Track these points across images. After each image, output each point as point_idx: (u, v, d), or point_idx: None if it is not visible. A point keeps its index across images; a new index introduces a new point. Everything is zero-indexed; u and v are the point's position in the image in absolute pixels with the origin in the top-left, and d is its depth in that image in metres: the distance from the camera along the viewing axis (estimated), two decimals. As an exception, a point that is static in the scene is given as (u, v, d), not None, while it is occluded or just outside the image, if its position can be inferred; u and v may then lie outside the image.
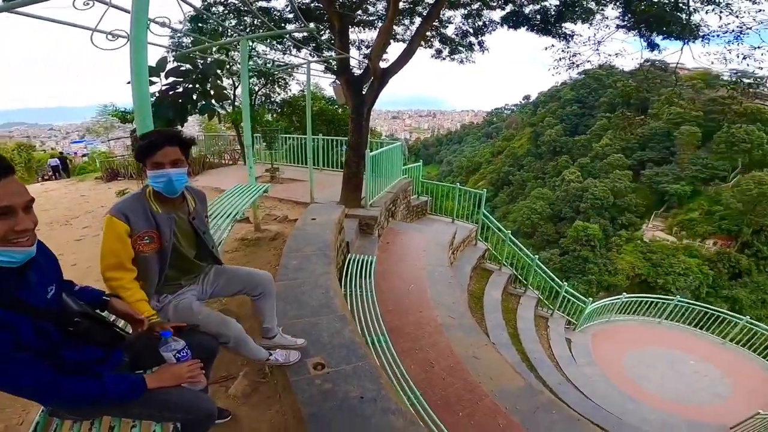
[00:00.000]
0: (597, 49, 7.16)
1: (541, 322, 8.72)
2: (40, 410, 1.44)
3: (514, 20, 7.16)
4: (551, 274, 9.16)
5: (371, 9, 8.10)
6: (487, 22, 7.68)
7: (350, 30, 7.29)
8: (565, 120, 65.34)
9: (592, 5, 6.62)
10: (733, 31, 5.94)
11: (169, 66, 9.22)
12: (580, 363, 8.20)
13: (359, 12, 7.71)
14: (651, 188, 47.90)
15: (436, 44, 8.46)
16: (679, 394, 7.76)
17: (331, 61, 7.47)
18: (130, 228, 1.59)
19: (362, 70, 6.80)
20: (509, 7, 7.04)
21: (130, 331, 1.55)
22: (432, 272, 5.86)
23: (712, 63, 6.51)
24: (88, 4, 2.34)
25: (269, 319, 2.25)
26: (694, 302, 10.79)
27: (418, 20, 7.92)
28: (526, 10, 6.99)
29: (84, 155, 17.47)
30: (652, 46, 6.77)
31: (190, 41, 9.13)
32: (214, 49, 9.96)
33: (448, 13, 7.72)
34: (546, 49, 7.56)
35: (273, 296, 2.19)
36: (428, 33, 7.75)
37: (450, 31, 8.18)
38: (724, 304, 32.76)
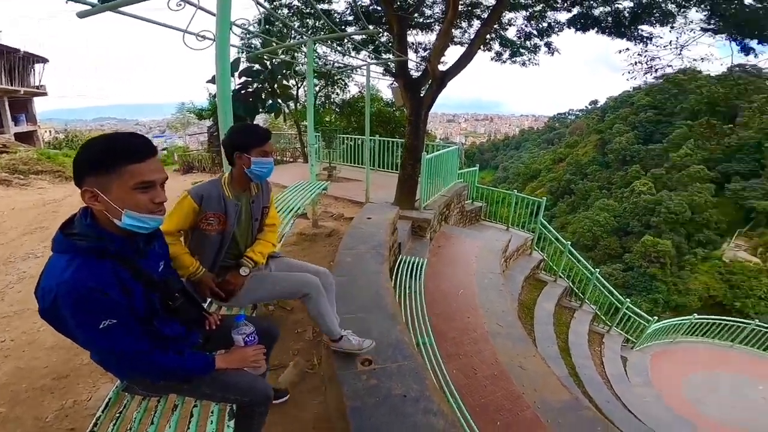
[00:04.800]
0: (680, 54, 6.63)
1: (595, 338, 8.28)
2: (114, 386, 1.51)
3: (582, 22, 6.81)
4: (611, 288, 8.63)
5: (428, 12, 8.08)
6: (552, 23, 7.35)
7: (408, 33, 7.32)
8: (638, 127, 60.48)
9: (672, 7, 6.11)
10: None
11: (242, 66, 9.88)
12: (634, 382, 7.67)
13: (417, 15, 7.71)
14: (736, 204, 43.00)
15: (496, 47, 8.25)
16: (744, 421, 6.99)
17: (389, 63, 7.57)
18: (200, 208, 1.81)
19: (420, 73, 6.82)
20: (576, 9, 6.71)
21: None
22: (482, 278, 5.75)
23: None
24: (180, 5, 2.53)
25: (330, 319, 2.18)
26: (771, 327, 9.58)
27: (477, 23, 7.78)
28: (596, 12, 6.61)
29: (164, 149, 19.16)
30: (746, 50, 6.18)
31: (259, 43, 9.79)
32: (280, 50, 10.58)
33: (508, 15, 7.48)
34: (620, 52, 7.14)
35: (332, 292, 2.25)
36: (487, 36, 7.55)
37: (511, 33, 7.93)
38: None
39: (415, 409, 1.99)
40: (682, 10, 6.09)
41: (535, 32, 7.60)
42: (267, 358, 1.68)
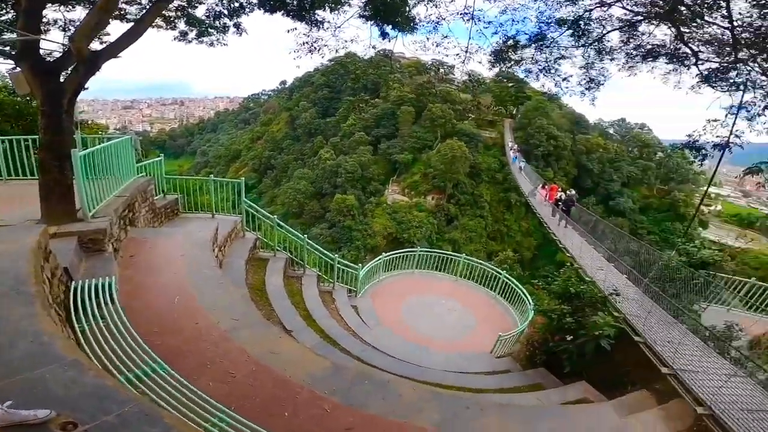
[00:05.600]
0: (335, 34, 7.57)
1: (326, 297, 9.21)
2: None
3: (271, 4, 6.95)
4: (322, 249, 9.78)
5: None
6: (244, 3, 7.23)
7: (54, 8, 5.76)
8: (317, 103, 70.59)
9: None
10: (431, 21, 7.09)
11: None
12: (371, 326, 9.17)
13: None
14: (386, 159, 58.17)
15: (181, 25, 7.51)
16: (446, 331, 9.77)
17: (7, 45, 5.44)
18: None
19: (62, 54, 5.22)
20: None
21: None
22: (197, 277, 5.24)
23: (417, 51, 7.93)
24: None
25: None
26: (430, 249, 13.81)
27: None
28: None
29: None
30: (384, 34, 7.51)
31: None
32: None
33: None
34: (288, 32, 7.65)
35: None
36: (172, 13, 6.84)
37: (201, 12, 7.43)
38: (449, 246, 44.21)
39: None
40: None
41: (225, 12, 7.32)
42: None
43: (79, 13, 7.32)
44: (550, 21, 6.78)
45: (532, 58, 7.36)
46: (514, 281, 11.44)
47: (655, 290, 7.50)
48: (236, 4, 7.37)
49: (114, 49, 5.11)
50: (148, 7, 7.05)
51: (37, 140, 5.84)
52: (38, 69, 4.74)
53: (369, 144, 59.12)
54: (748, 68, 5.58)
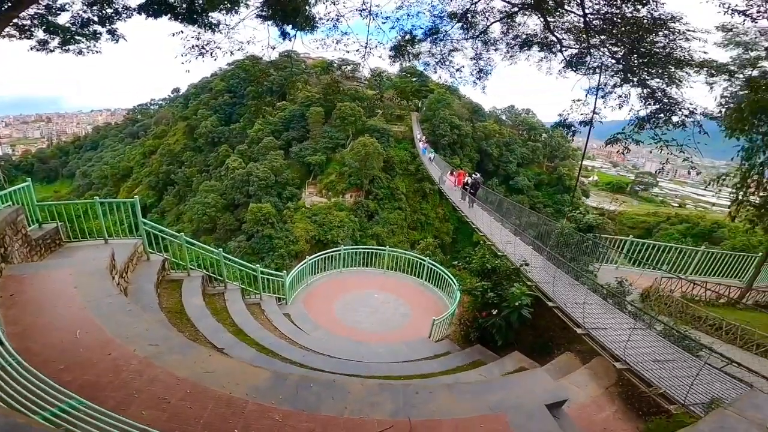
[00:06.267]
0: (230, 36, 7.16)
1: (255, 309, 8.87)
2: None
3: (155, 9, 6.36)
4: (241, 261, 9.37)
5: None
6: (120, 9, 6.57)
7: None
8: (218, 110, 65.86)
9: None
10: (330, 19, 6.92)
11: None
12: (307, 330, 8.96)
13: None
14: (299, 162, 56.81)
15: (39, 34, 6.63)
16: (383, 324, 9.88)
17: None
18: None
19: None
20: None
21: None
22: (99, 308, 4.63)
23: (317, 49, 7.65)
24: None
25: None
26: (355, 246, 13.93)
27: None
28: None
29: None
30: (284, 34, 7.25)
31: None
32: None
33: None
34: (173, 35, 7.01)
35: None
36: (27, 22, 6.17)
37: (63, 19, 6.62)
38: (373, 241, 44.83)
39: None
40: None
41: (95, 19, 6.64)
42: None
43: None
44: (442, 15, 7.19)
45: (429, 51, 7.78)
46: (438, 266, 12.06)
47: (556, 257, 8.41)
48: (109, 11, 6.69)
49: None
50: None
51: None
52: None
53: (280, 148, 57.08)
54: (600, 53, 6.54)
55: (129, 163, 70.54)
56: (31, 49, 6.89)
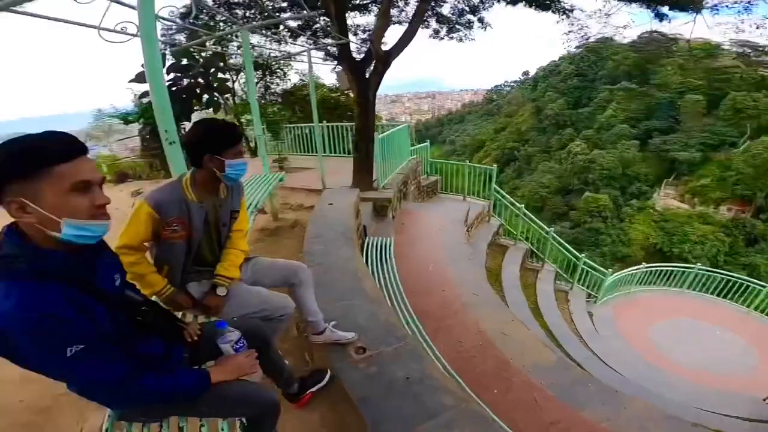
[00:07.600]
0: (606, 22, 7.13)
1: (561, 296, 8.64)
2: (106, 415, 1.35)
3: None
4: (568, 246, 9.07)
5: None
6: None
7: (346, 15, 7.21)
8: (567, 93, 64.26)
9: None
10: (743, 2, 5.92)
11: (168, 62, 9.15)
12: (604, 335, 8.09)
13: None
14: (659, 157, 47.03)
15: (433, 24, 8.27)
16: (707, 364, 7.62)
17: (330, 48, 7.33)
18: (159, 215, 1.62)
19: (363, 55, 6.66)
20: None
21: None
22: (450, 250, 5.80)
23: (725, 33, 6.43)
24: (90, -2, 2.20)
25: (313, 312, 2.19)
26: (716, 270, 10.55)
27: (413, 1, 7.74)
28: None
29: (90, 161, 17.45)
30: (660, 16, 6.58)
31: (183, 37, 9.03)
32: (208, 42, 9.85)
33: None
34: (557, 23, 7.36)
35: (311, 286, 2.16)
36: (425, 14, 7.58)
37: (446, 9, 8.03)
38: (743, 272, 32.16)
39: (421, 389, 1.93)
40: None
41: (467, 8, 7.76)
42: (261, 362, 1.52)
43: (361, 18, 8.92)
44: None
45: None
46: None
47: None
48: (475, 0, 7.49)
49: (399, 47, 6.05)
50: (406, 9, 8.05)
51: (348, 128, 7.68)
52: (354, 68, 6.12)
53: (635, 138, 49.17)
54: None
55: (483, 136, 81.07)
56: (429, 37, 8.58)
